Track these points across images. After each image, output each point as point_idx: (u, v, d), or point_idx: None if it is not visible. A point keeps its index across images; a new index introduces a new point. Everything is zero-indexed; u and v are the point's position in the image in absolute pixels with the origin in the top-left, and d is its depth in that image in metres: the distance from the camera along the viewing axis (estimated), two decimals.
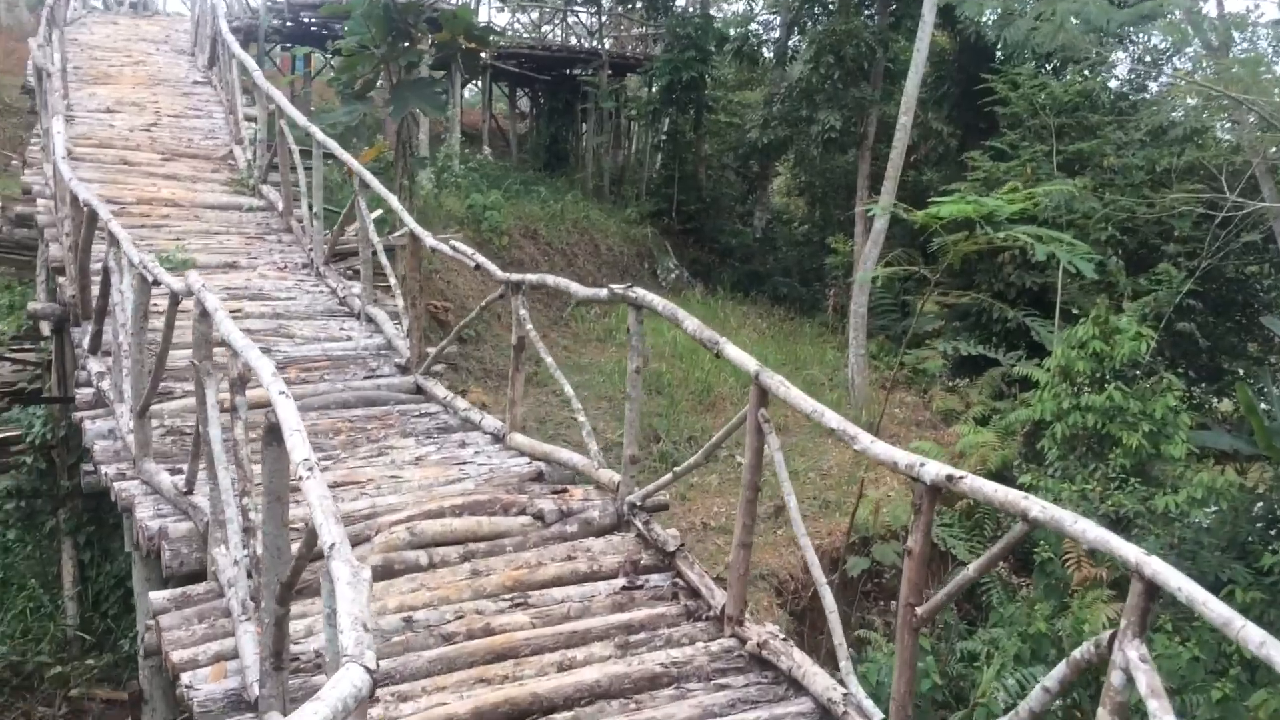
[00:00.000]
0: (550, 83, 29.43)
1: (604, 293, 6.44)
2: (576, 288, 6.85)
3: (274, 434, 4.45)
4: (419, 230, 8.51)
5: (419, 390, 8.60)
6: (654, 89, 27.23)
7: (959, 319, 20.18)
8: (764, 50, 28.61)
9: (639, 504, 6.27)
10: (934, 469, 4.22)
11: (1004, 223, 8.70)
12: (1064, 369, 13.92)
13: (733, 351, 5.47)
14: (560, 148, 29.48)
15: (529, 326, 7.26)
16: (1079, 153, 18.37)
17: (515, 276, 7.36)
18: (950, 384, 19.73)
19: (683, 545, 5.98)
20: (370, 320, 9.54)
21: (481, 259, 7.84)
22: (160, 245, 10.32)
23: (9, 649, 9.16)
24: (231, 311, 9.26)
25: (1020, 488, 13.68)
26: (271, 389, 4.56)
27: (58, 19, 14.29)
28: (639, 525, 6.19)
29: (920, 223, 8.69)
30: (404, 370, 8.78)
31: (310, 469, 4.01)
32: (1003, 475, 15.41)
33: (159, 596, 5.43)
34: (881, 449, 4.58)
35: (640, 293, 6.19)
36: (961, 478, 4.14)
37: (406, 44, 16.33)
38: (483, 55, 22.66)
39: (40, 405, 9.77)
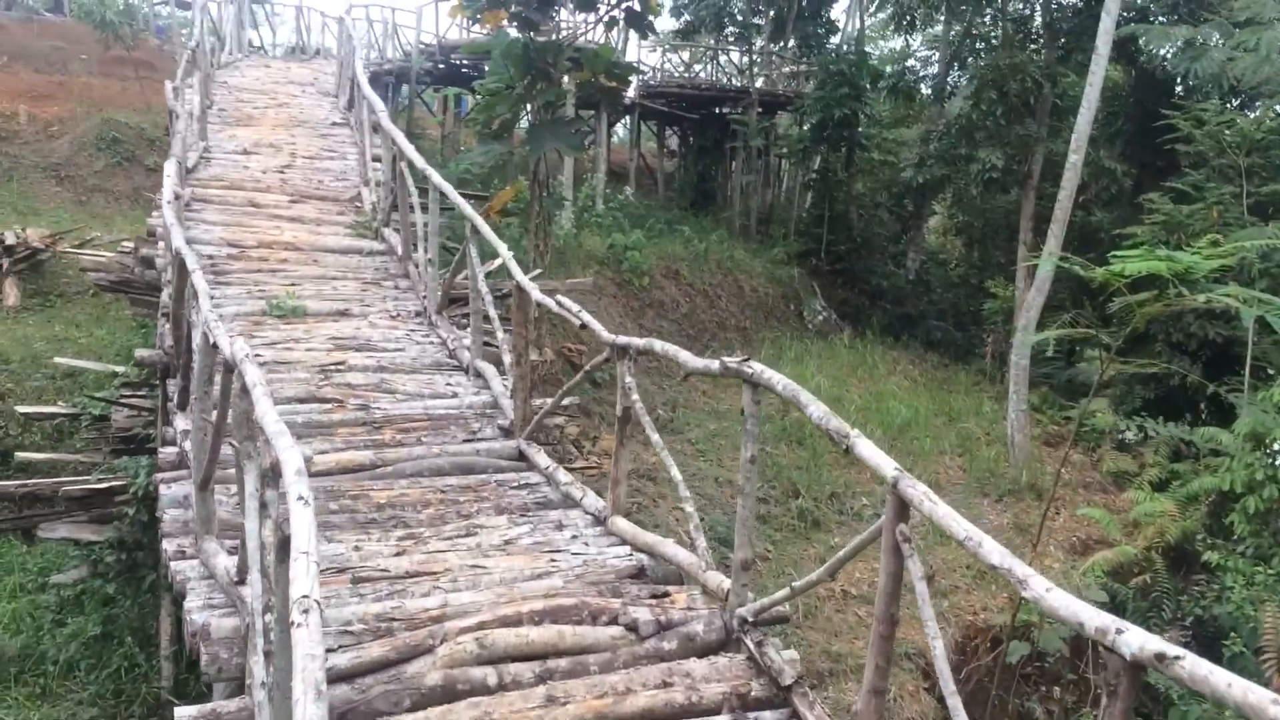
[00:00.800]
0: (699, 121, 28.64)
1: (716, 365, 5.39)
2: (686, 357, 5.81)
3: (284, 549, 3.56)
4: (525, 281, 7.64)
5: (521, 456, 7.70)
6: (805, 126, 26.13)
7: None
8: (921, 86, 27.18)
9: (751, 620, 5.17)
10: (1137, 641, 3.01)
11: (1201, 280, 7.28)
12: (1256, 435, 12.10)
13: (866, 449, 4.35)
14: (707, 186, 28.62)
15: (635, 397, 6.26)
16: (1273, 194, 16.37)
17: (622, 340, 6.38)
18: (1121, 437, 17.84)
19: (801, 678, 4.84)
20: (478, 375, 8.73)
21: (588, 318, 6.90)
22: (274, 290, 9.79)
23: (99, 711, 8.64)
24: (334, 364, 8.63)
25: (1205, 566, 11.97)
26: (291, 491, 3.67)
27: (200, 62, 14.19)
28: (750, 645, 5.08)
29: (1100, 281, 7.34)
30: (507, 433, 7.91)
31: (306, 611, 3.09)
32: (1183, 550, 13.61)
33: (184, 714, 4.62)
34: (1059, 600, 3.37)
35: (757, 368, 5.11)
36: (1178, 658, 2.92)
37: (545, 83, 15.72)
38: (625, 94, 21.95)
39: (145, 455, 9.31)
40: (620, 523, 6.39)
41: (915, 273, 26.68)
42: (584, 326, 6.85)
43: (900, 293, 25.57)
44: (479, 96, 24.96)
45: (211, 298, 9.24)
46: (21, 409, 10.60)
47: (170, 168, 8.71)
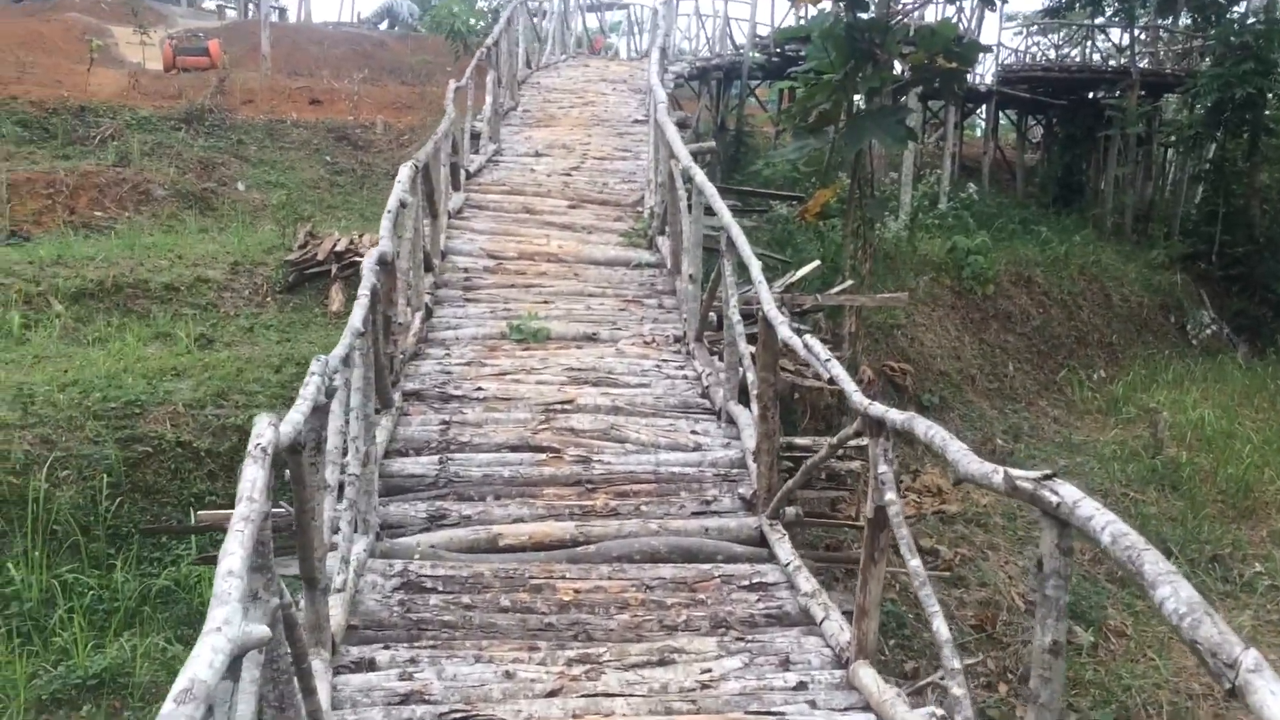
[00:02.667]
0: (1067, 108, 24.85)
1: (999, 479, 3.18)
2: (958, 451, 3.61)
3: None
4: (771, 312, 5.65)
5: (762, 540, 5.73)
6: (1197, 110, 21.83)
7: None
8: None
9: None
10: None
11: None
12: None
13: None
14: (1074, 180, 24.76)
15: (890, 496, 4.12)
16: None
17: (876, 411, 4.26)
18: None
19: None
20: (731, 421, 6.85)
21: (838, 372, 4.80)
22: (522, 309, 8.43)
23: None
24: (562, 403, 7.04)
25: None
26: None
27: (500, 64, 13.28)
28: None
29: None
30: (749, 505, 5.98)
31: None
32: None
33: None
34: None
35: (1067, 493, 2.87)
36: None
37: (870, 67, 13.48)
38: (968, 77, 19.03)
39: None
40: (865, 675, 4.28)
41: None
42: (832, 381, 4.78)
43: None
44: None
45: (451, 320, 8.05)
46: None
47: (403, 173, 7.55)
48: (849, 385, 4.54)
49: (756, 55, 21.55)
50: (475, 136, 12.58)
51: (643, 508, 5.95)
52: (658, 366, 7.66)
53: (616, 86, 15.84)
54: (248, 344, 10.26)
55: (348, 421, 5.08)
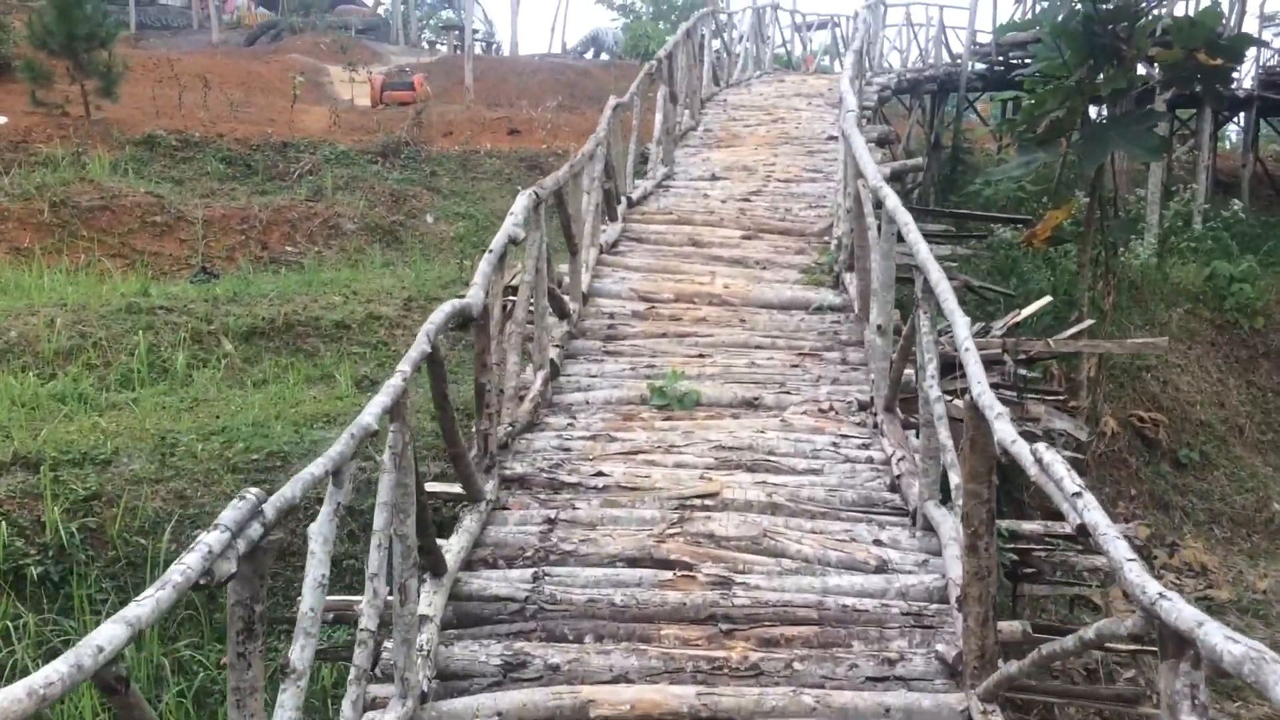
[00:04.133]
0: None
1: None
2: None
3: None
4: (985, 399, 3.70)
5: None
6: None
7: None
8: None
9: None
10: None
11: None
12: None
13: None
14: None
15: None
16: None
17: (1182, 619, 2.30)
18: None
19: None
20: (928, 528, 4.90)
21: (1097, 518, 2.81)
22: (672, 363, 6.74)
23: None
24: (701, 497, 5.28)
25: None
26: None
27: (674, 80, 11.66)
28: None
29: None
30: (950, 669, 4.03)
31: None
32: None
33: None
34: None
35: None
36: None
37: (1113, 67, 11.07)
38: (1234, 77, 15.92)
39: None
40: None
41: None
42: (1083, 530, 2.81)
43: None
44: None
45: (582, 380, 6.47)
46: None
47: (520, 202, 6.03)
48: (1118, 549, 2.57)
49: (975, 65, 19.12)
50: (644, 159, 11.03)
51: (796, 665, 4.11)
52: (834, 445, 5.78)
53: (812, 101, 13.92)
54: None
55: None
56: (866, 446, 5.78)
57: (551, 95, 26.14)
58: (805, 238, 8.94)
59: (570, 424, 6.05)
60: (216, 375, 9.55)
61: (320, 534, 2.95)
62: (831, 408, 6.22)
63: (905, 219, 5.47)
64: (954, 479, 4.45)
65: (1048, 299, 9.75)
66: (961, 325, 4.29)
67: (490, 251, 5.49)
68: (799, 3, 25.92)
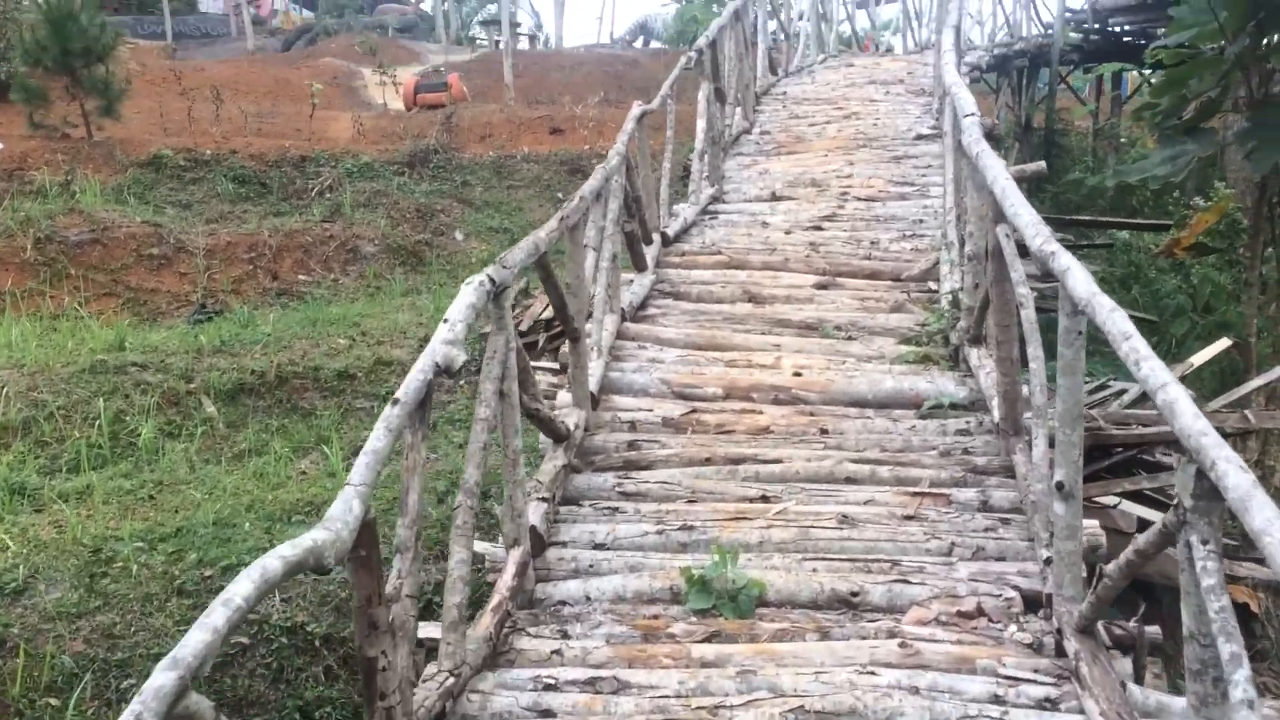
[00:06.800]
0: None
1: None
2: None
3: None
4: None
5: None
6: None
7: None
8: None
9: None
10: None
11: None
12: None
13: None
14: None
15: None
16: None
17: None
18: None
19: None
20: None
21: None
22: (722, 514, 4.27)
23: None
24: None
25: None
26: None
27: (721, 73, 9.02)
28: None
29: None
30: None
31: None
32: None
33: None
34: None
35: None
36: None
37: None
38: None
39: None
40: None
41: None
42: None
43: None
44: (1147, 74, 17.02)
45: (581, 555, 4.02)
46: None
47: (463, 301, 3.56)
48: None
49: (1071, 35, 16.11)
50: (686, 172, 8.54)
51: None
52: (997, 698, 3.26)
53: (890, 90, 11.14)
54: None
55: None
56: (1053, 705, 3.24)
57: (597, 89, 23.81)
58: (901, 284, 6.34)
59: (557, 652, 3.61)
60: (191, 447, 7.78)
61: None
62: (979, 610, 3.69)
63: (1122, 326, 2.90)
64: None
65: (1225, 343, 7.07)
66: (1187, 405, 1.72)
67: (397, 404, 3.07)
68: None
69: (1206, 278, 10.84)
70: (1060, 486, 3.51)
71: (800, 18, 14.12)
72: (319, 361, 9.09)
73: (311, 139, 17.72)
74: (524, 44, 30.45)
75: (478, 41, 30.65)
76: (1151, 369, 2.70)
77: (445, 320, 3.58)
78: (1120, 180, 10.29)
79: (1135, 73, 17.52)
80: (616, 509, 4.42)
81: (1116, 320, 2.93)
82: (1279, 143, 7.79)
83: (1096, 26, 16.67)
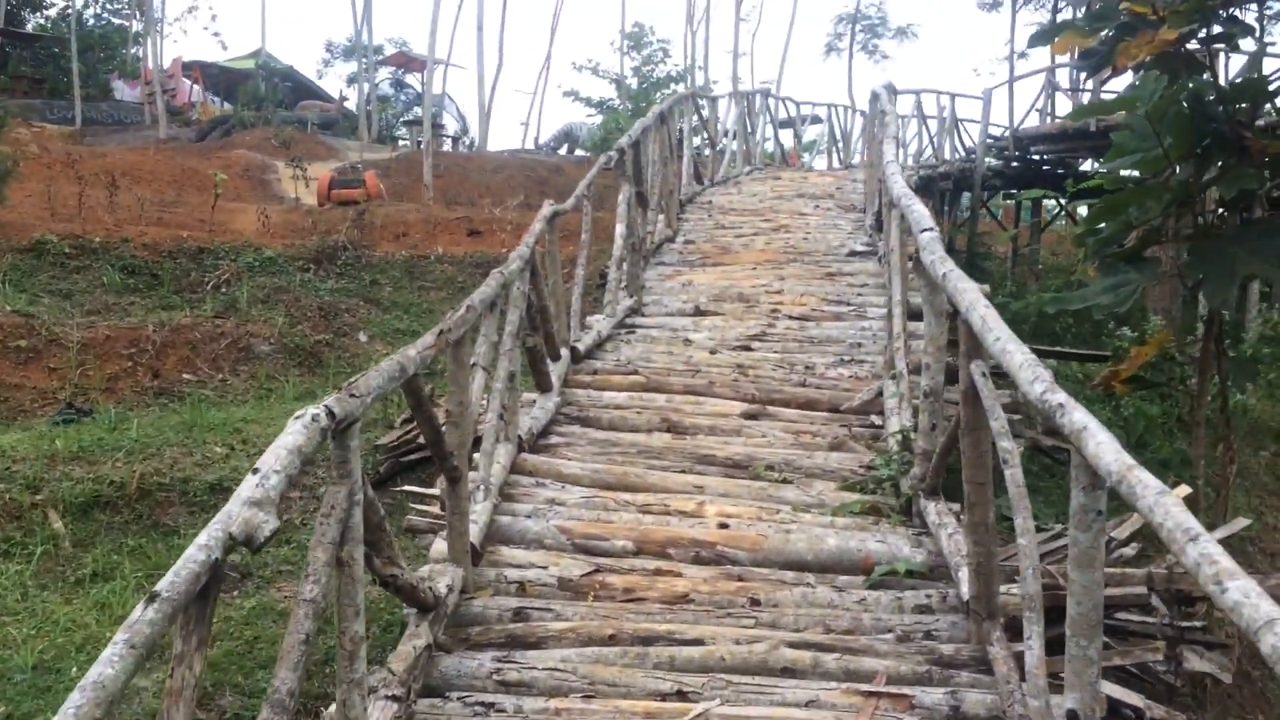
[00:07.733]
0: None
1: None
2: None
3: None
4: None
5: None
6: None
7: None
8: None
9: None
10: None
11: None
12: None
13: None
14: None
15: None
16: None
17: None
18: None
19: None
20: None
21: None
22: None
23: None
24: None
25: None
26: None
27: (646, 179, 8.31)
28: None
29: None
30: None
31: None
32: None
33: None
34: None
35: None
36: None
37: (1233, 158, 7.82)
38: None
39: None
40: None
41: None
42: None
43: None
44: (1063, 201, 17.01)
45: None
46: None
47: (289, 437, 2.64)
48: None
49: (992, 161, 16.05)
50: (603, 279, 7.72)
51: None
52: None
53: (820, 204, 10.57)
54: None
55: None
56: None
57: (519, 192, 23.30)
58: (840, 416, 5.51)
59: None
60: (27, 570, 6.80)
61: None
62: None
63: (1184, 522, 2.05)
64: None
65: (1185, 490, 6.37)
66: None
67: (154, 602, 2.05)
68: (776, 91, 23.11)
69: (1140, 411, 10.30)
70: (1074, 717, 2.60)
71: (727, 135, 13.70)
72: (189, 472, 8.09)
73: (214, 230, 16.76)
74: (447, 145, 29.90)
75: (400, 141, 30.07)
76: (1243, 591, 1.84)
77: (255, 471, 2.59)
78: (1061, 308, 9.74)
79: (1054, 200, 17.54)
80: (492, 706, 3.37)
81: (1176, 515, 2.07)
82: (1230, 275, 7.27)
83: (1017, 154, 16.69)
